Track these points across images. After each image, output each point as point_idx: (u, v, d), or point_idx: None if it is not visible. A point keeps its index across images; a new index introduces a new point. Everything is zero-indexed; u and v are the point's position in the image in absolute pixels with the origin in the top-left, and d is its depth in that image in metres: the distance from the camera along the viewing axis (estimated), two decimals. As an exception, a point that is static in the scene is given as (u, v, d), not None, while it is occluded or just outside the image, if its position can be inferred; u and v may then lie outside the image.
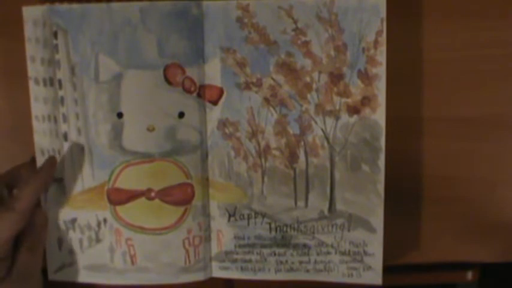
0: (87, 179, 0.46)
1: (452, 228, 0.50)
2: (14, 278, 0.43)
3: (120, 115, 0.45)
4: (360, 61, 0.44)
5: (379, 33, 0.43)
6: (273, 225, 0.46)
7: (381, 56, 0.44)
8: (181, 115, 0.45)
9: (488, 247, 0.50)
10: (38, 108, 0.45)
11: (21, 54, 0.45)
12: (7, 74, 0.48)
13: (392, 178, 0.45)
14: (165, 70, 0.44)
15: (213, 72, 0.45)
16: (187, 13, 0.43)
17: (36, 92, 0.45)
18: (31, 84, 0.45)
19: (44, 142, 0.45)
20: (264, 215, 0.46)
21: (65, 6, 0.44)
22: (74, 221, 0.46)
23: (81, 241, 0.47)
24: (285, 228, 0.46)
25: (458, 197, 0.49)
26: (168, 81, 0.44)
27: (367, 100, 0.44)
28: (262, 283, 0.48)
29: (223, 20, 0.44)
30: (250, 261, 0.47)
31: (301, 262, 0.47)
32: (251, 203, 0.46)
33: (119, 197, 0.46)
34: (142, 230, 0.46)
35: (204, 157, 0.46)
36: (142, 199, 0.46)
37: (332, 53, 0.44)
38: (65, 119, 0.45)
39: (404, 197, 0.49)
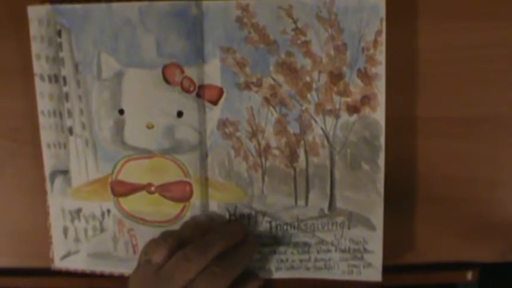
0: (91, 171, 0.47)
1: (451, 228, 0.49)
2: None
3: (121, 112, 0.46)
4: (359, 61, 0.44)
5: (378, 33, 0.43)
6: (273, 224, 0.47)
7: (381, 55, 0.44)
8: (179, 114, 0.45)
9: (488, 247, 0.50)
10: (43, 103, 0.47)
11: (21, 53, 0.47)
12: (7, 73, 0.49)
13: (392, 178, 0.46)
14: (163, 69, 0.45)
15: (212, 72, 0.45)
16: (186, 13, 0.44)
17: (42, 88, 0.46)
18: (37, 80, 0.46)
19: (50, 136, 0.47)
20: (264, 214, 0.47)
21: (68, 6, 0.45)
22: (79, 211, 0.48)
23: (86, 230, 0.48)
24: (285, 227, 0.47)
25: (458, 197, 0.49)
26: (166, 80, 0.45)
27: (366, 99, 0.45)
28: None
29: (223, 19, 0.44)
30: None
31: (301, 260, 0.47)
32: (251, 202, 0.46)
33: (121, 189, 0.47)
34: (143, 221, 0.47)
35: (204, 157, 0.46)
36: (144, 192, 0.47)
37: (332, 52, 0.44)
38: (70, 114, 0.46)
39: (403, 197, 0.49)
